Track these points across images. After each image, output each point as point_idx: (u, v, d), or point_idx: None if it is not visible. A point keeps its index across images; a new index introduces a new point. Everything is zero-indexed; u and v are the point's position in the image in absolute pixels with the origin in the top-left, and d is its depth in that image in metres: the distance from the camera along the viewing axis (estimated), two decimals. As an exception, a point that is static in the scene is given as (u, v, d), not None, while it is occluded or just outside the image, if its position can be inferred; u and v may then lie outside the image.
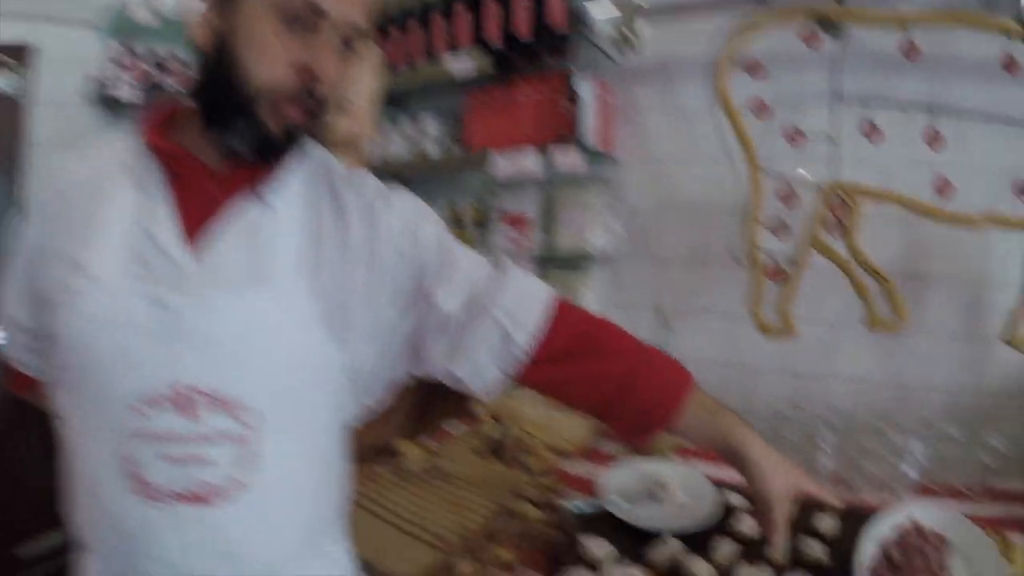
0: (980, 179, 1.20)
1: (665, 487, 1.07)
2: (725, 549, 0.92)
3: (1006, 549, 0.85)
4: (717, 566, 0.89)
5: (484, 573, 0.82)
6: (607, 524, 0.98)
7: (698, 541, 0.94)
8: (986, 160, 1.22)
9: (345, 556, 0.71)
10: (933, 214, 1.18)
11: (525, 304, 0.68)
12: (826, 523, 0.94)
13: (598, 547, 0.92)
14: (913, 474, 1.01)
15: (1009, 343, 1.17)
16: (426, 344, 0.67)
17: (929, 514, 0.89)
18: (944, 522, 0.88)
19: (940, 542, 0.85)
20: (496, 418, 1.32)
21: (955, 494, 1.05)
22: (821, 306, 1.35)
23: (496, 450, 1.24)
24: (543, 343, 0.68)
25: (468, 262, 0.70)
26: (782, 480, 0.71)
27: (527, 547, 0.94)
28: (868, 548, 0.84)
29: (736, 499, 1.05)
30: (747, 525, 0.96)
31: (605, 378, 0.70)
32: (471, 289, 0.67)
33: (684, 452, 1.29)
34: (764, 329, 1.28)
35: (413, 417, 1.33)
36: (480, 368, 0.68)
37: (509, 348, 0.67)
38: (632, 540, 0.95)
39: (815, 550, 0.88)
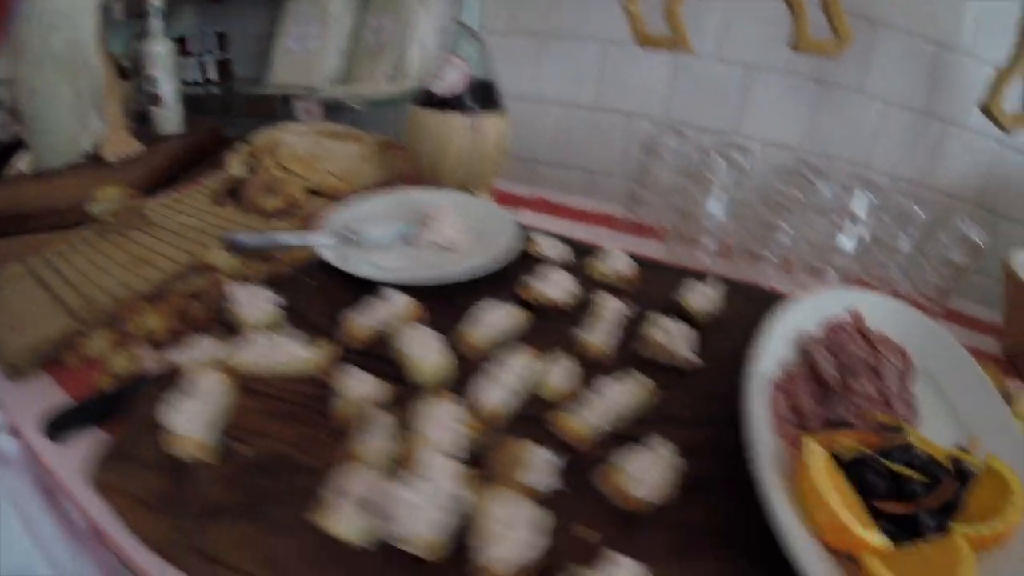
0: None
1: (431, 221, 0.58)
2: (499, 319, 0.44)
3: (1002, 388, 0.46)
4: (471, 347, 0.41)
5: (119, 346, 0.52)
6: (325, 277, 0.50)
7: (456, 303, 0.46)
8: None
9: None
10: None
11: None
12: (700, 296, 0.49)
13: (252, 301, 0.46)
14: (849, 253, 0.59)
15: (986, 112, 0.77)
16: None
17: (882, 311, 0.47)
18: (906, 328, 0.46)
19: (900, 356, 0.44)
20: (253, 153, 0.87)
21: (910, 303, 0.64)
22: (730, 38, 0.91)
23: (235, 192, 0.82)
24: None
25: None
26: None
27: (205, 311, 0.55)
28: (773, 346, 0.40)
29: (553, 248, 0.57)
30: (560, 287, 0.48)
31: None
32: None
33: (512, 200, 0.81)
34: (645, 39, 0.84)
35: (164, 171, 0.94)
36: None
37: None
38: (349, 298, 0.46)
39: (672, 338, 0.43)
